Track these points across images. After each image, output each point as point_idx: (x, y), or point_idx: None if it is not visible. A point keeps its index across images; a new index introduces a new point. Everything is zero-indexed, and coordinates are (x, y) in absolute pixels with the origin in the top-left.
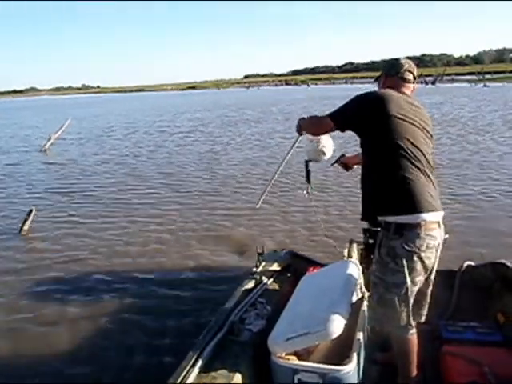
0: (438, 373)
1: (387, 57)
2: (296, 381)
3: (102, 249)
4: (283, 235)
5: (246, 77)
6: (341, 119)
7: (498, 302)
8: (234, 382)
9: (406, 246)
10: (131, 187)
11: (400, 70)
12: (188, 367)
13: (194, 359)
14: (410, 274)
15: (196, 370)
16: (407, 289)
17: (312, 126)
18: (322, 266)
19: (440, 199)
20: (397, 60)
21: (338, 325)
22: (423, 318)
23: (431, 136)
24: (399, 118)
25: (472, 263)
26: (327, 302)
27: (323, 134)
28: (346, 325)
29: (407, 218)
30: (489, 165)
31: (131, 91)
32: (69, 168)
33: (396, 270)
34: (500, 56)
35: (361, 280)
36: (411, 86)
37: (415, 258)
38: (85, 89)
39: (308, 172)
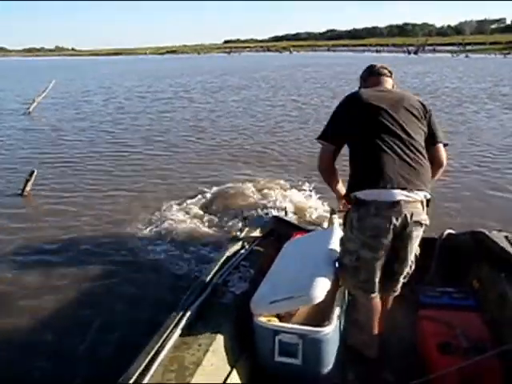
0: (415, 335)
1: (370, 25)
2: (277, 341)
3: (89, 212)
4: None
5: (226, 42)
6: (326, 133)
7: (475, 269)
8: (216, 342)
9: (358, 221)
10: (114, 156)
11: (373, 70)
12: (171, 327)
13: (176, 320)
14: (362, 247)
15: (179, 330)
16: (358, 258)
17: (321, 163)
18: (307, 231)
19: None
20: (369, 66)
21: (320, 290)
22: (395, 291)
23: (417, 117)
24: (363, 109)
25: (452, 231)
26: (311, 267)
27: (329, 161)
28: (328, 290)
29: (362, 193)
30: (474, 136)
31: (108, 54)
32: (57, 132)
33: (351, 239)
34: (481, 27)
35: None
36: (389, 79)
37: (367, 233)
38: (58, 51)
39: None
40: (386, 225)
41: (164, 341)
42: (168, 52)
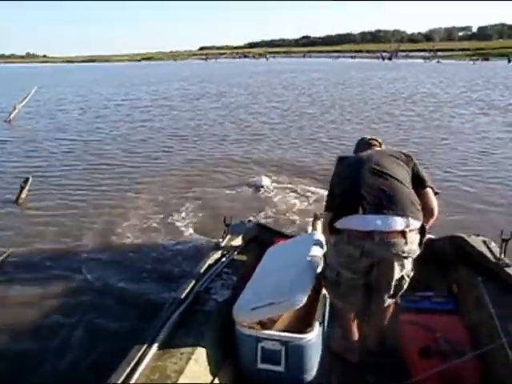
0: (397, 340)
1: (343, 32)
2: (259, 349)
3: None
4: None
5: (201, 48)
6: (328, 203)
7: (454, 274)
8: (198, 350)
9: (334, 247)
10: (94, 167)
11: (363, 141)
12: (152, 336)
13: (158, 328)
14: (341, 267)
15: (160, 339)
16: (338, 274)
17: (325, 229)
18: (289, 237)
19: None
20: (361, 138)
21: (301, 296)
22: (383, 309)
23: (401, 161)
24: (346, 163)
25: (432, 236)
26: (292, 273)
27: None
28: (309, 295)
29: (337, 222)
30: (452, 142)
31: (82, 61)
32: (40, 141)
33: (331, 256)
34: (449, 34)
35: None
36: (377, 148)
37: (342, 259)
38: (30, 57)
39: None
40: (358, 253)
41: (145, 350)
42: (144, 59)
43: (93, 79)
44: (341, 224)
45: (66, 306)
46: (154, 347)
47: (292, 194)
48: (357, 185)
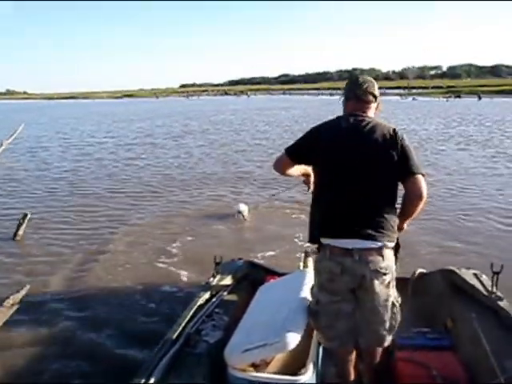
0: (392, 378)
1: (321, 70)
2: None
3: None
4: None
5: (182, 86)
6: (291, 151)
7: (448, 308)
8: None
9: (316, 264)
10: (80, 208)
11: (357, 92)
12: (143, 380)
13: (148, 372)
14: (320, 290)
15: (151, 383)
16: (318, 301)
17: (274, 162)
18: (280, 275)
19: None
20: (355, 81)
21: (294, 336)
22: (378, 343)
23: (386, 154)
24: (327, 151)
25: (424, 270)
26: (284, 312)
27: (284, 170)
28: (303, 335)
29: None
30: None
31: (63, 98)
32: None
33: (314, 282)
34: (421, 72)
35: None
36: (372, 105)
37: (323, 276)
38: (10, 94)
39: None
40: (338, 269)
41: None
42: (125, 96)
43: (74, 116)
44: (323, 239)
45: (53, 345)
46: None
47: (281, 231)
48: (338, 208)
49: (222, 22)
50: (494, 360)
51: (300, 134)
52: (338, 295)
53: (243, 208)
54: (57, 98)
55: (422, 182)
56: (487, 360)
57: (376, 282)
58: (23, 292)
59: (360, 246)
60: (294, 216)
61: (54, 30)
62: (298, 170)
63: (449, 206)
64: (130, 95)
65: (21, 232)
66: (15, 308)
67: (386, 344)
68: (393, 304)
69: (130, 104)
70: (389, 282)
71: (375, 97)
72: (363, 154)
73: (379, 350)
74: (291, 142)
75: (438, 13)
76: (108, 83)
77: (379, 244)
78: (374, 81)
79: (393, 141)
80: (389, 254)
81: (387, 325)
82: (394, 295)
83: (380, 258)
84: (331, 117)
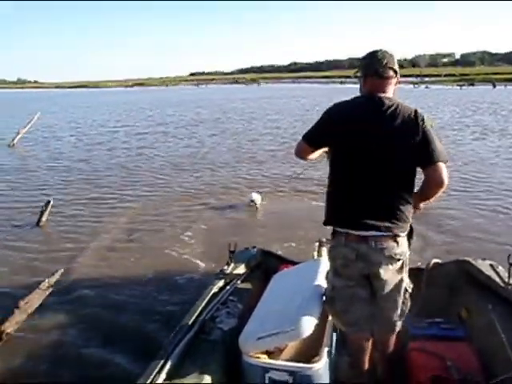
0: (406, 368)
1: (331, 58)
2: (267, 379)
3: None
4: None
5: (192, 74)
6: (308, 138)
7: (462, 298)
8: (204, 381)
9: (331, 250)
10: (96, 196)
11: (378, 68)
12: (158, 367)
13: (164, 359)
14: (335, 275)
15: (166, 369)
16: (333, 287)
17: (295, 150)
18: (294, 263)
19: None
20: (374, 56)
21: (308, 324)
22: (390, 330)
23: (403, 147)
24: (343, 136)
25: (439, 261)
26: (298, 301)
27: (306, 156)
28: (316, 323)
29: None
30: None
31: (73, 87)
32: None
33: (329, 268)
34: (433, 60)
35: None
36: (392, 81)
37: (338, 262)
38: (21, 83)
39: None
40: (353, 255)
41: (151, 382)
42: (135, 84)
43: (86, 105)
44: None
45: (73, 333)
46: (160, 379)
47: (295, 221)
48: (352, 198)
49: (234, 11)
50: (510, 351)
51: (312, 123)
52: (352, 280)
53: (256, 197)
54: (67, 87)
55: (444, 169)
56: (504, 351)
57: (390, 268)
58: (57, 275)
59: (375, 234)
60: (307, 203)
61: (68, 19)
62: (318, 152)
63: (465, 196)
64: (140, 84)
65: (44, 218)
66: (50, 290)
67: (397, 330)
68: (405, 290)
69: (141, 93)
70: (402, 268)
71: (396, 72)
72: (383, 140)
73: (392, 338)
74: (308, 129)
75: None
76: (118, 72)
77: (395, 232)
78: (393, 54)
79: (414, 125)
80: (403, 240)
81: (399, 311)
82: (406, 281)
83: (394, 245)
84: None
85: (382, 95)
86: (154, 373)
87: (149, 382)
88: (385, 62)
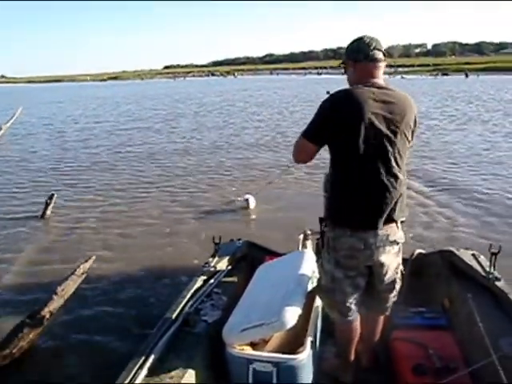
0: (389, 358)
1: (305, 49)
2: (251, 371)
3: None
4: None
5: (166, 67)
6: (313, 134)
7: (445, 288)
8: (188, 374)
9: (334, 241)
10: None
11: (369, 52)
12: (141, 360)
13: (147, 352)
14: (336, 266)
15: (149, 363)
16: (333, 278)
17: (293, 152)
18: (279, 255)
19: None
20: (361, 40)
21: (291, 315)
22: (384, 310)
23: (405, 134)
24: (354, 127)
25: (423, 251)
26: (282, 292)
27: (303, 155)
28: (300, 314)
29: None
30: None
31: (47, 81)
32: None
33: (327, 259)
34: (406, 51)
35: (315, 269)
36: (383, 64)
37: (341, 253)
38: None
39: None
40: (361, 245)
41: (134, 375)
42: (110, 78)
43: (58, 100)
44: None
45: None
46: (143, 372)
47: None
48: (369, 193)
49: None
50: (488, 339)
51: (294, 116)
52: (354, 270)
53: (248, 196)
54: (39, 82)
55: None
56: (482, 339)
57: (392, 252)
58: (90, 262)
59: (382, 222)
60: (295, 198)
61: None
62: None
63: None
64: (115, 77)
65: (48, 212)
66: (84, 276)
67: (389, 312)
68: (401, 272)
69: (116, 86)
70: (399, 251)
71: (385, 54)
72: (390, 128)
73: (381, 324)
74: (306, 126)
75: None
76: (90, 66)
77: (398, 218)
78: (377, 38)
79: (412, 111)
80: (401, 224)
81: (395, 292)
82: (399, 263)
83: (396, 229)
84: (323, 96)
85: (378, 81)
86: (137, 366)
87: (132, 374)
88: (374, 44)
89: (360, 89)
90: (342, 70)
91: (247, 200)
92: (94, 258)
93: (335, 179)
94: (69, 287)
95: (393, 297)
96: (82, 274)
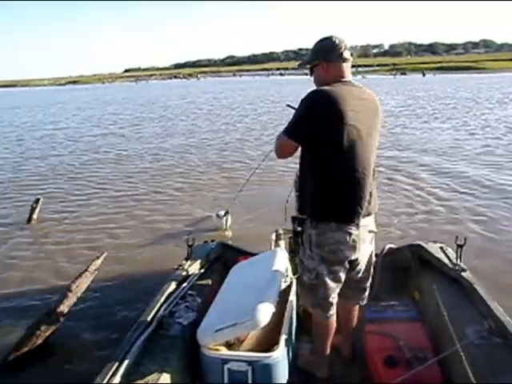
0: (362, 351)
1: (266, 50)
2: (226, 371)
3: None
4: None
5: (126, 71)
6: (293, 131)
7: (415, 281)
8: (163, 377)
9: (318, 236)
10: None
11: (342, 52)
12: (116, 365)
13: (121, 356)
14: (320, 262)
15: (124, 367)
16: (317, 275)
17: (277, 150)
18: (253, 255)
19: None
20: (332, 40)
21: (264, 314)
22: (362, 299)
23: (378, 131)
24: (335, 125)
25: (393, 245)
26: (255, 291)
27: (288, 153)
28: (274, 312)
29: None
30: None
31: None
32: None
33: (310, 256)
34: (365, 51)
35: (288, 267)
36: (350, 64)
37: (326, 248)
38: None
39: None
40: (347, 238)
41: (109, 380)
42: (69, 82)
43: (12, 106)
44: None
45: None
46: (118, 377)
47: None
48: (350, 188)
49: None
50: (453, 328)
51: (265, 117)
52: (338, 265)
53: (221, 213)
54: None
55: None
56: (449, 328)
57: (369, 241)
58: (102, 258)
59: (361, 215)
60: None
61: None
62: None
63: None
64: (74, 82)
65: (35, 216)
66: (96, 273)
67: (365, 301)
68: (374, 260)
69: (76, 90)
70: (372, 239)
71: (351, 54)
72: (368, 125)
73: (356, 315)
74: (287, 124)
75: None
76: (46, 69)
77: (374, 210)
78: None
79: (381, 110)
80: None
81: (370, 279)
82: (373, 250)
83: (373, 220)
84: (291, 97)
85: (351, 80)
86: (112, 371)
87: (106, 380)
88: (344, 44)
89: (339, 87)
90: (306, 71)
91: (221, 218)
92: (105, 254)
93: (317, 176)
94: (82, 284)
95: (369, 284)
96: (95, 270)
